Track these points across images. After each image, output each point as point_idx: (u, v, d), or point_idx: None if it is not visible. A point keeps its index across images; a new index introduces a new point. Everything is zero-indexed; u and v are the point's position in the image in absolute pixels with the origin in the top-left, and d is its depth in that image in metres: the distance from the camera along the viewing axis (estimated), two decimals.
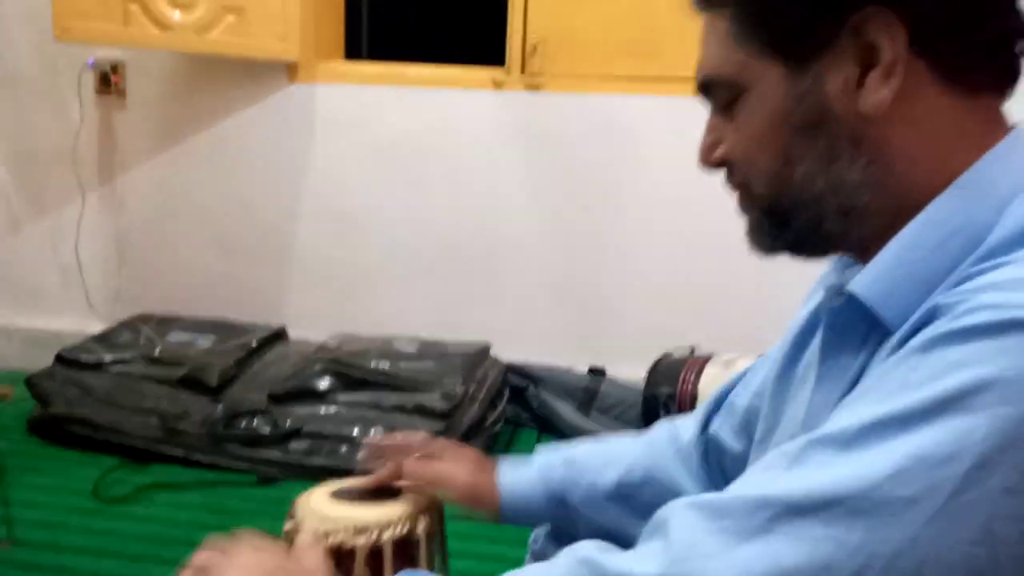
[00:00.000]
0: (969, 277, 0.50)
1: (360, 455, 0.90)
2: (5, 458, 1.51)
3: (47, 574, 1.46)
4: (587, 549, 0.52)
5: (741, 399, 0.79)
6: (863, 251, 0.57)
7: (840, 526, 0.43)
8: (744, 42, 0.57)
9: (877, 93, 0.53)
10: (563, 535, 0.86)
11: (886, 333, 0.53)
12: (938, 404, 0.43)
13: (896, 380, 0.46)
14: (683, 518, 0.48)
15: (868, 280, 0.55)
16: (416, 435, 0.90)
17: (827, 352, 0.60)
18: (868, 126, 0.54)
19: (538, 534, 0.89)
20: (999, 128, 0.56)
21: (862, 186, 0.55)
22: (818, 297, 0.65)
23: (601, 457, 0.84)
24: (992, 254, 0.50)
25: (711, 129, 0.62)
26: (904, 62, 0.53)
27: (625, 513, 0.81)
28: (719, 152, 0.62)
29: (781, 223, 0.59)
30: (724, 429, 0.81)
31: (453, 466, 0.83)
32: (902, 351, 0.48)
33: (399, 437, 0.90)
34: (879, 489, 0.43)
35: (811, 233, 0.58)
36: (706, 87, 0.61)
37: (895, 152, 0.54)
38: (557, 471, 0.83)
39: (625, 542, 0.73)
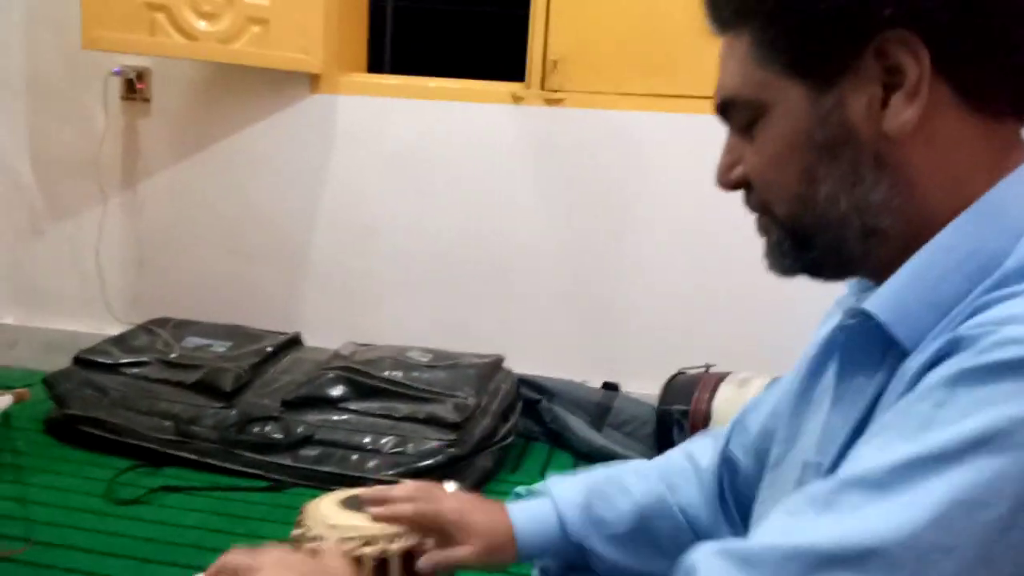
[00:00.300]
0: (987, 304, 0.49)
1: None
2: (21, 458, 1.52)
3: (58, 574, 1.47)
4: None
5: (754, 421, 0.79)
6: (880, 273, 0.57)
7: None
8: (765, 62, 0.57)
9: (902, 115, 0.53)
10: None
11: (903, 354, 0.53)
12: (970, 444, 0.43)
13: (923, 416, 0.45)
14: (711, 568, 0.47)
15: (883, 300, 0.55)
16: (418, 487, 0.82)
17: (843, 373, 0.60)
18: (891, 147, 0.54)
19: None
20: (1017, 153, 0.56)
21: (884, 207, 0.55)
22: (835, 320, 0.65)
23: (614, 488, 0.81)
24: (1007, 280, 0.50)
25: (729, 150, 0.62)
26: (928, 84, 0.53)
27: (640, 547, 0.80)
28: (737, 172, 0.61)
29: (803, 244, 0.59)
30: (737, 449, 0.81)
31: (468, 551, 0.77)
32: (927, 382, 0.47)
33: (401, 489, 0.81)
34: (917, 538, 0.42)
35: (832, 254, 0.58)
36: (725, 108, 0.61)
37: (916, 174, 0.54)
38: (573, 517, 0.79)
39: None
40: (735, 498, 0.79)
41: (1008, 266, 0.50)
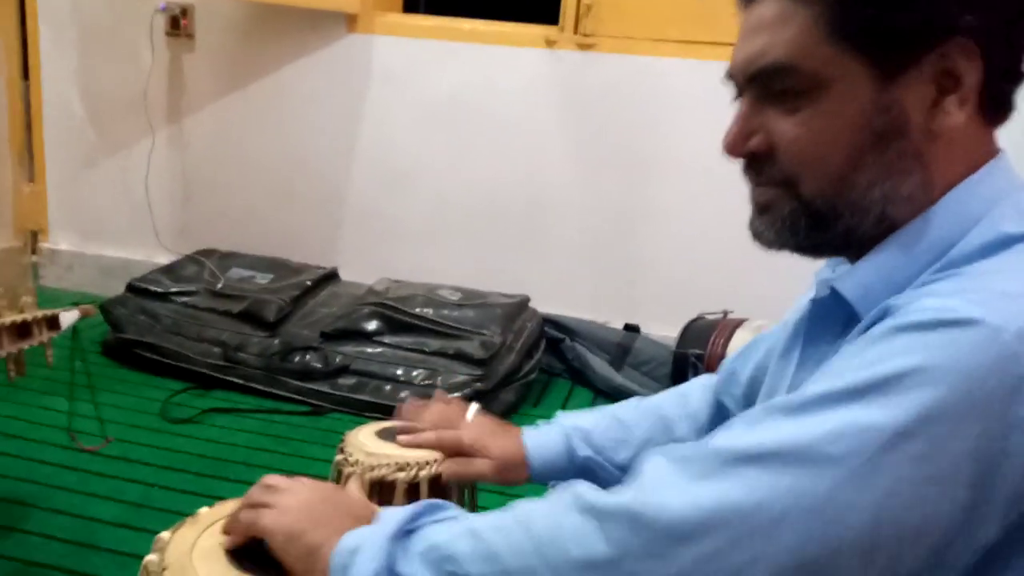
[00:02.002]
0: (924, 283, 0.56)
1: (401, 411, 0.99)
2: (86, 374, 1.66)
3: (121, 483, 1.63)
4: (578, 485, 0.58)
5: (745, 369, 0.87)
6: (861, 253, 0.63)
7: (775, 473, 0.51)
8: (836, 39, 0.57)
9: (953, 118, 0.58)
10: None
11: None
12: (874, 384, 0.50)
13: (846, 364, 0.54)
14: (654, 463, 0.56)
15: (852, 281, 0.62)
16: (451, 402, 0.95)
17: (809, 338, 0.68)
18: (929, 145, 0.59)
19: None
20: (991, 150, 0.62)
21: (907, 200, 0.59)
22: (813, 291, 0.72)
23: (616, 433, 0.90)
24: (949, 266, 0.57)
25: (746, 117, 0.63)
26: (976, 94, 0.58)
27: None
28: (757, 142, 0.62)
29: (820, 224, 0.61)
30: (728, 397, 0.89)
31: (485, 464, 0.88)
32: (858, 341, 0.55)
33: (435, 405, 0.95)
34: (811, 446, 0.50)
35: (845, 237, 0.61)
36: (767, 74, 0.60)
37: (937, 172, 0.59)
38: (579, 443, 0.90)
39: None
40: None
41: (953, 254, 0.57)
